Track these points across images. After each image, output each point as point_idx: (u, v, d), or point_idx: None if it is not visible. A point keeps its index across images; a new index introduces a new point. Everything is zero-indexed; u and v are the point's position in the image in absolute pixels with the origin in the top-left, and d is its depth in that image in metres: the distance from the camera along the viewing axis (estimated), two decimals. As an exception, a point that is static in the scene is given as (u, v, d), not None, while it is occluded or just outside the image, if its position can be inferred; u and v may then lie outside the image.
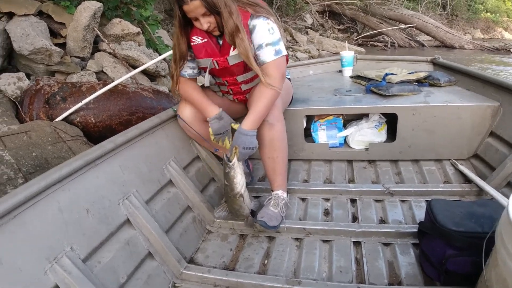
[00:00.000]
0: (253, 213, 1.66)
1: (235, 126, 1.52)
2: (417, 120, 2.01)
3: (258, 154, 2.29)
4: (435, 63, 2.88)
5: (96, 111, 2.47)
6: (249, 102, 1.73)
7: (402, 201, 1.82)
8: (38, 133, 2.23)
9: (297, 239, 1.62)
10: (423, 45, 11.62)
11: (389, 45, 11.56)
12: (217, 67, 1.60)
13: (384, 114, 2.22)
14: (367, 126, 2.16)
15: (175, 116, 1.81)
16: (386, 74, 2.42)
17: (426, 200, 1.77)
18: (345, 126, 2.25)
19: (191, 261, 1.53)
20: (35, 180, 1.11)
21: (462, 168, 1.94)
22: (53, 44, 3.23)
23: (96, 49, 3.74)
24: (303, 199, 1.90)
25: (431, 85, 2.35)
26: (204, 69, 1.61)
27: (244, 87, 1.73)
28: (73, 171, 1.22)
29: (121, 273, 1.22)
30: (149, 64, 2.53)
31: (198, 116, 1.70)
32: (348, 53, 2.97)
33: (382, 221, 1.69)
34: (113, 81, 2.57)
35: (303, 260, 1.47)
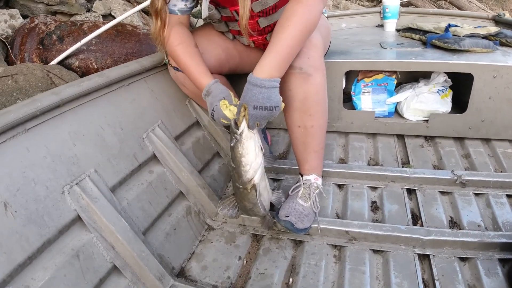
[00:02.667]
0: (273, 205, 1.15)
1: (226, 104, 0.98)
2: (498, 85, 1.47)
3: (278, 121, 1.82)
4: (498, 21, 2.29)
5: (99, 54, 2.06)
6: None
7: (477, 194, 1.31)
8: (27, 77, 1.85)
9: (335, 246, 1.12)
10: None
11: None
12: None
13: (450, 76, 1.66)
14: (427, 90, 1.60)
15: (166, 64, 1.28)
16: (449, 25, 1.85)
17: (508, 195, 1.28)
18: (395, 90, 1.70)
19: (180, 273, 1.05)
20: None
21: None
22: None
23: (106, -10, 3.38)
24: (340, 186, 1.39)
25: (502, 44, 1.78)
26: None
27: (263, 22, 1.17)
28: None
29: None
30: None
31: None
32: (392, 2, 2.37)
33: (454, 224, 1.19)
34: (123, 26, 2.16)
35: (347, 281, 0.98)
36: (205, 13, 1.11)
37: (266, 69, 0.89)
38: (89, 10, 3.02)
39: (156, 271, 0.94)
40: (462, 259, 1.06)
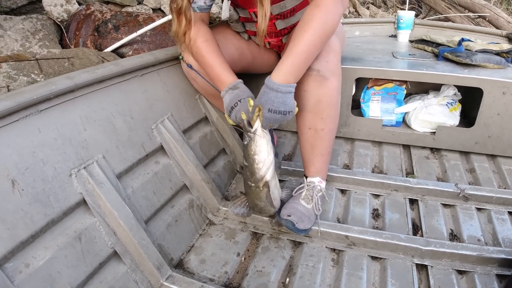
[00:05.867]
0: (283, 204, 1.16)
1: (251, 103, 1.01)
2: (507, 102, 1.47)
3: (286, 124, 1.82)
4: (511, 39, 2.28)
5: (153, 45, 2.09)
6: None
7: (479, 209, 1.31)
8: (83, 61, 1.89)
9: (334, 250, 1.13)
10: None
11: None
12: None
13: (460, 89, 1.66)
14: (436, 103, 1.60)
15: (178, 58, 1.29)
16: (463, 40, 1.85)
17: (510, 212, 1.29)
18: (404, 100, 1.70)
19: (179, 265, 1.06)
20: None
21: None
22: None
23: (158, -16, 3.43)
24: (342, 191, 1.39)
25: (514, 61, 1.78)
26: None
27: (280, 25, 1.18)
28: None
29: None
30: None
31: None
32: (407, 13, 2.37)
33: (454, 237, 1.19)
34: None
35: (343, 285, 0.99)
36: (225, 14, 1.13)
37: (283, 74, 0.91)
38: (140, 3, 3.06)
39: (155, 260, 0.95)
40: (460, 272, 1.06)
